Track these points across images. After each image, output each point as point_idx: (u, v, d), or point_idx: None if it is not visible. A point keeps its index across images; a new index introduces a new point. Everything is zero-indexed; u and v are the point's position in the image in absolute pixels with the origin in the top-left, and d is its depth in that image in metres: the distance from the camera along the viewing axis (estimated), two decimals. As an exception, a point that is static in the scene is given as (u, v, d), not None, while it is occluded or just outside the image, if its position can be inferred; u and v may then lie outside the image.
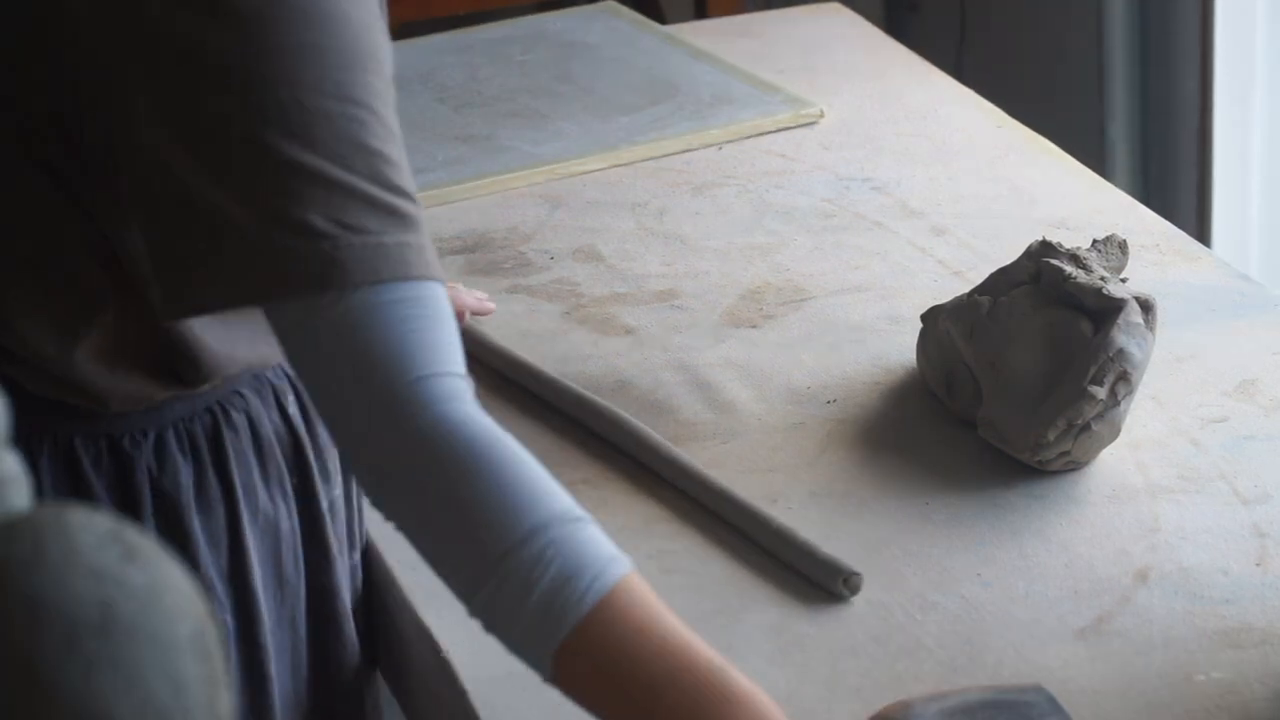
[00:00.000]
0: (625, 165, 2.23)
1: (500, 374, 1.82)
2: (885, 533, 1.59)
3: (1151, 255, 1.98)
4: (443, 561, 1.28)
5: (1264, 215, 3.11)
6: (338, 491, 1.57)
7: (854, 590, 1.52)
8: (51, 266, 1.40)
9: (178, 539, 1.47)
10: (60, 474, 1.46)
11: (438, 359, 1.26)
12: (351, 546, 1.61)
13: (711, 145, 2.27)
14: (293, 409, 1.54)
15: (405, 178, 1.30)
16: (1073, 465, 1.65)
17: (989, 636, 1.47)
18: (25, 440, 1.36)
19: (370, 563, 1.63)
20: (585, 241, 2.07)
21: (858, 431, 1.73)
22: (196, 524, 1.49)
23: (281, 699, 1.55)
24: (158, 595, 0.86)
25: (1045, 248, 1.71)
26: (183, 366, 1.44)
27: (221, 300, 1.28)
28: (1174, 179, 3.17)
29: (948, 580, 1.53)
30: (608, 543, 1.24)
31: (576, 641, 1.22)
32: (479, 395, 1.28)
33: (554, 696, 1.43)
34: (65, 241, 1.39)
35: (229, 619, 1.51)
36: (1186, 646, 1.45)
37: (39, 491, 1.41)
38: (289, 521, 1.53)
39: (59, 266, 1.40)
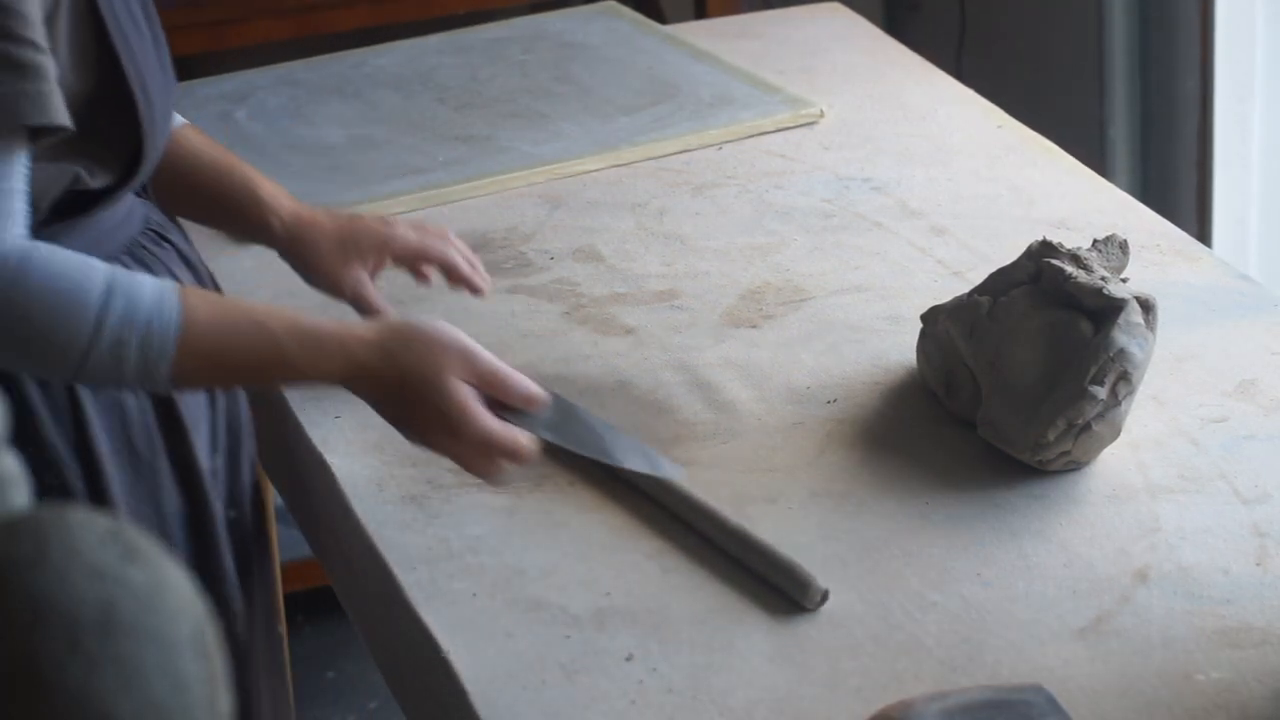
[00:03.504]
0: (625, 165, 2.23)
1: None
2: (885, 533, 1.59)
3: (1151, 255, 1.98)
4: (36, 374, 1.55)
5: (1264, 215, 3.11)
6: None
7: (822, 601, 1.51)
8: None
9: (18, 409, 1.56)
10: None
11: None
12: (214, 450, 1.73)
13: (711, 145, 2.27)
14: None
15: (30, 28, 1.43)
16: (1073, 465, 1.65)
17: (989, 636, 1.47)
18: None
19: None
20: (585, 241, 2.07)
21: (858, 431, 1.73)
22: (35, 394, 1.58)
23: None
24: (158, 595, 0.86)
25: (1045, 248, 1.71)
26: None
27: None
28: (1174, 179, 3.17)
29: (948, 580, 1.54)
30: (149, 281, 1.48)
31: (179, 367, 1.47)
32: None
33: (554, 696, 1.43)
34: None
35: (80, 484, 1.59)
36: (1186, 646, 1.45)
37: None
38: (134, 399, 1.63)
39: None
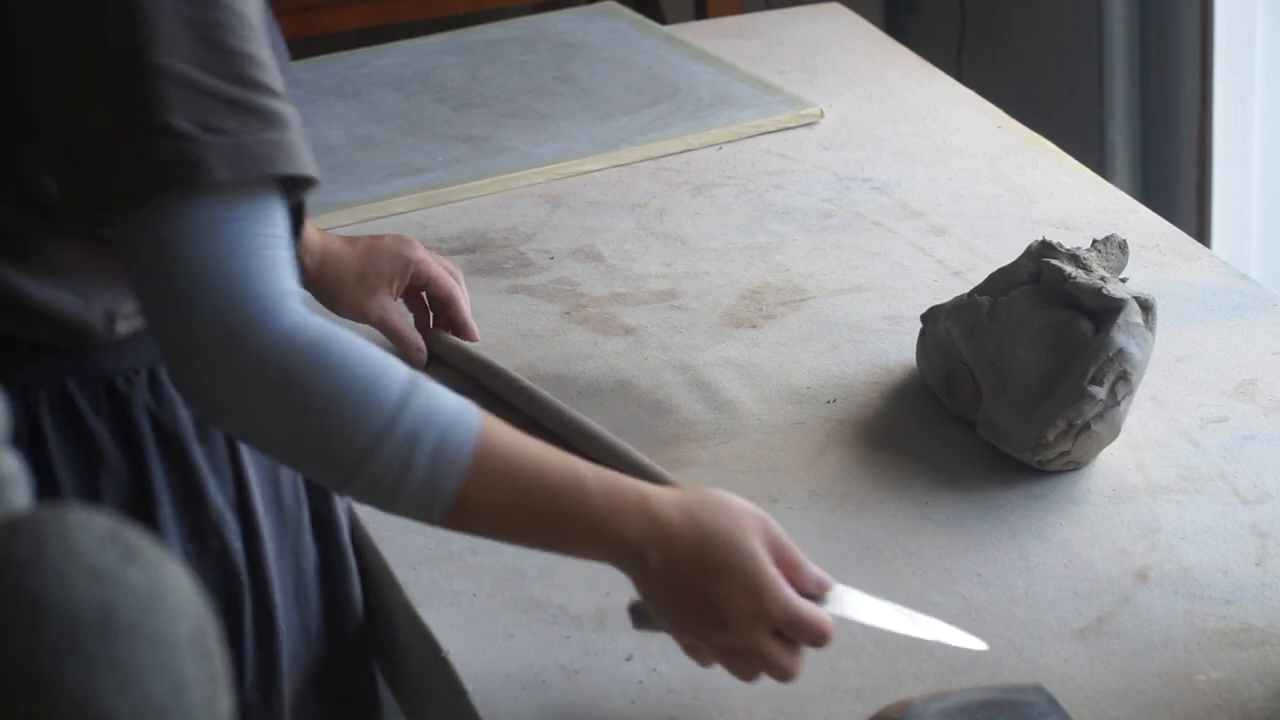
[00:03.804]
0: (625, 165, 2.23)
1: (476, 381, 1.81)
2: (885, 533, 1.59)
3: (1151, 255, 1.98)
4: (307, 464, 1.36)
5: (1264, 215, 3.12)
6: None
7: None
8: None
9: (183, 470, 1.51)
10: (61, 421, 1.48)
11: (278, 277, 1.30)
12: None
13: (711, 145, 2.27)
14: None
15: (269, 74, 1.33)
16: (1073, 465, 1.65)
17: (989, 636, 1.47)
18: (23, 394, 1.44)
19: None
20: (585, 241, 2.07)
21: (858, 431, 1.73)
22: (199, 455, 1.52)
23: (288, 626, 1.58)
24: (158, 595, 0.86)
25: (1045, 248, 1.71)
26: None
27: (93, 206, 1.31)
28: (1174, 179, 3.17)
29: (948, 580, 1.53)
30: (448, 393, 1.32)
31: (469, 485, 1.31)
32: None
33: (554, 696, 1.43)
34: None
35: (239, 544, 1.54)
36: (1186, 646, 1.45)
37: (42, 440, 1.46)
38: None
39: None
